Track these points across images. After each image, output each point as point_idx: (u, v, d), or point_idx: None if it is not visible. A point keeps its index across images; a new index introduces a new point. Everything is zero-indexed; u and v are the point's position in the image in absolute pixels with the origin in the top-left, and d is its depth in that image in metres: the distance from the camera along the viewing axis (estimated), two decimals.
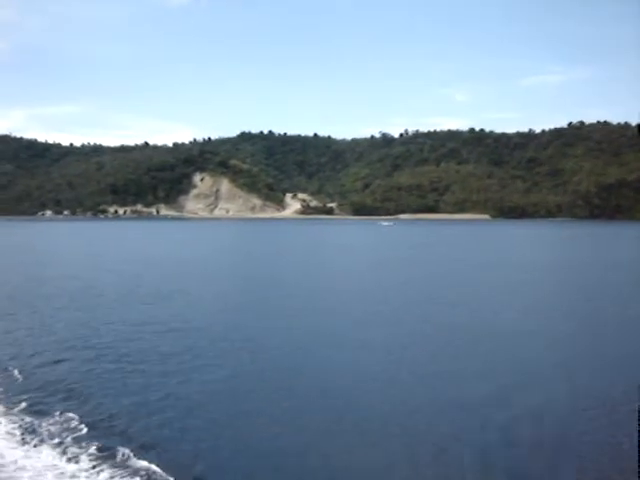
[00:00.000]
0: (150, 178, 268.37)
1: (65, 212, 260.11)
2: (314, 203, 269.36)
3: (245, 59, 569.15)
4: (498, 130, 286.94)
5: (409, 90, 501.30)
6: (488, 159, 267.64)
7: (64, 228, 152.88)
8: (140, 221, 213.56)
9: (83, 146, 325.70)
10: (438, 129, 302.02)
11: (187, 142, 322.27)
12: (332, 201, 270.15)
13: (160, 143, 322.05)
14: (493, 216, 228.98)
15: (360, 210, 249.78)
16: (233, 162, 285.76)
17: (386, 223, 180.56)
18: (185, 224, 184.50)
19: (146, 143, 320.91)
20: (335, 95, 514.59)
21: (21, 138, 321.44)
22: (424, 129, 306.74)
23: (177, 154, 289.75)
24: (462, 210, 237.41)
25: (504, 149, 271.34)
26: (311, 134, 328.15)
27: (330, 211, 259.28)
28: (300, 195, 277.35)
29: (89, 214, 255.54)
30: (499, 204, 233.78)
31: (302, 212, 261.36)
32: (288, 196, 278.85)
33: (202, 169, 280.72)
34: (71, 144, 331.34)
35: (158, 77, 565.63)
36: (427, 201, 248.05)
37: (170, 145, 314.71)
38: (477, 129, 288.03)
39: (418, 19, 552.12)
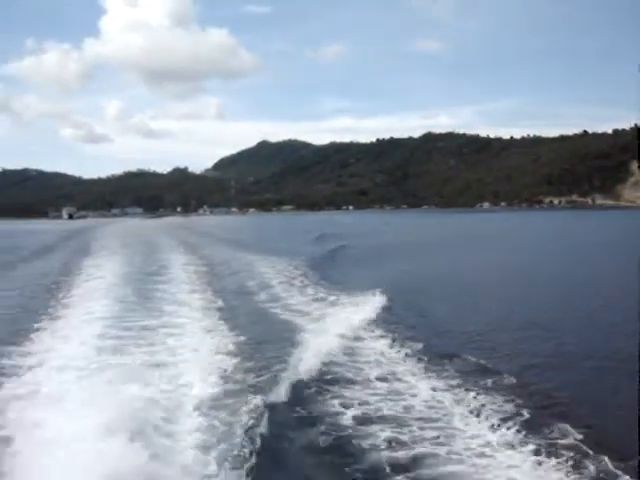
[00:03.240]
0: (585, 167, 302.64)
1: (502, 203, 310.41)
2: None
3: None
4: None
5: None
6: None
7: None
8: (577, 211, 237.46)
9: (523, 139, 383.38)
10: None
11: (627, 128, 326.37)
12: None
13: (600, 131, 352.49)
14: None
15: None
16: None
17: None
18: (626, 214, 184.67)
19: (585, 132, 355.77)
20: None
21: (464, 134, 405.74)
22: None
23: (615, 141, 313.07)
24: None
25: None
26: None
27: None
28: None
29: (524, 205, 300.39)
30: None
31: None
32: None
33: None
34: (511, 137, 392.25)
35: (597, 63, 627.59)
36: None
37: (610, 132, 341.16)
38: None
39: None
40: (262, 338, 17.99)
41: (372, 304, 22.58)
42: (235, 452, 9.66)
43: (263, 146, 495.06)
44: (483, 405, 12.31)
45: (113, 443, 9.24)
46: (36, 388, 12.96)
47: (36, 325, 19.75)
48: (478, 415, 11.86)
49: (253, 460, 9.33)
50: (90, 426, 9.85)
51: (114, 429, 9.73)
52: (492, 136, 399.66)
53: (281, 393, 12.35)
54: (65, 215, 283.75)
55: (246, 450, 9.66)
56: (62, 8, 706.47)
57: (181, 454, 9.63)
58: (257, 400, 11.89)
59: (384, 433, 10.88)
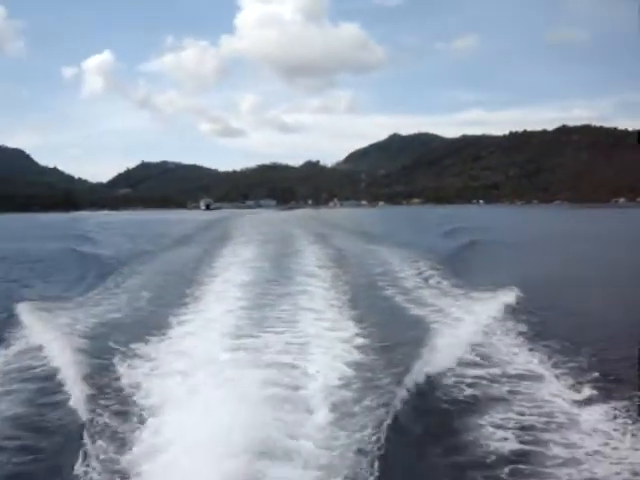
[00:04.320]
0: None
1: (638, 199, 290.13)
2: None
3: None
4: None
5: None
6: None
7: None
8: None
9: None
10: None
11: None
12: None
13: None
14: None
15: None
16: None
17: None
18: None
19: None
20: None
21: (600, 127, 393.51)
22: None
23: None
24: None
25: None
26: None
27: None
28: None
29: None
30: None
31: None
32: None
33: None
34: None
35: None
36: None
37: None
38: None
39: None
40: (388, 327, 17.91)
41: (505, 300, 21.17)
42: (358, 450, 9.21)
43: (394, 139, 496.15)
44: None
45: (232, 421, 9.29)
46: (182, 347, 14.87)
47: (185, 291, 23.43)
48: None
49: (377, 460, 8.84)
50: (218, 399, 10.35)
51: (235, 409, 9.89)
52: (630, 129, 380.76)
53: (409, 387, 11.88)
54: (202, 206, 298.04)
55: (370, 449, 9.18)
56: (200, 6, 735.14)
57: (300, 446, 9.16)
58: (383, 393, 11.73)
59: (513, 441, 10.15)
